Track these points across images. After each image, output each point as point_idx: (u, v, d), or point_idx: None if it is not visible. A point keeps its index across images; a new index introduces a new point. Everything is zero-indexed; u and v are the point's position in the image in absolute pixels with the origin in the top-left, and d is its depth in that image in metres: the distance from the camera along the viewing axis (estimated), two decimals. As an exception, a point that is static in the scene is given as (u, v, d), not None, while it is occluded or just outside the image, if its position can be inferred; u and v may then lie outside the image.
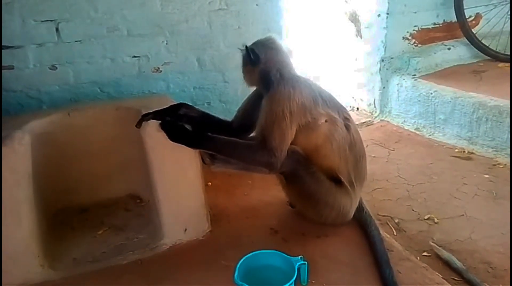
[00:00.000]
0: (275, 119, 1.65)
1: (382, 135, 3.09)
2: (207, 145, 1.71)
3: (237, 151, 1.71)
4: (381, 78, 3.29)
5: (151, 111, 1.76)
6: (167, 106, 1.83)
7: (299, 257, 1.54)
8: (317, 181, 1.75)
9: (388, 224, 2.09)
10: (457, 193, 2.31)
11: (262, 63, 1.76)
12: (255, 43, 1.83)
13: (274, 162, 1.65)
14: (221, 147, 1.71)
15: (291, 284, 1.45)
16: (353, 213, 1.86)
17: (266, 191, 2.17)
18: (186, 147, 1.70)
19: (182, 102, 1.93)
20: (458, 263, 1.75)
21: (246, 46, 1.77)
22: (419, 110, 3.09)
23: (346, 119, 1.80)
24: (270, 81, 1.74)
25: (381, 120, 3.34)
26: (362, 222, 1.86)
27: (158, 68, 2.41)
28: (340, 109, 1.81)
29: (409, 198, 2.30)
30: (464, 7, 3.26)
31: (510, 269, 1.74)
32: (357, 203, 1.86)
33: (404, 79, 3.19)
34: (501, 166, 2.56)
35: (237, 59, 2.51)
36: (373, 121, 3.32)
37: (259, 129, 1.70)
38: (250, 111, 1.88)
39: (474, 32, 3.33)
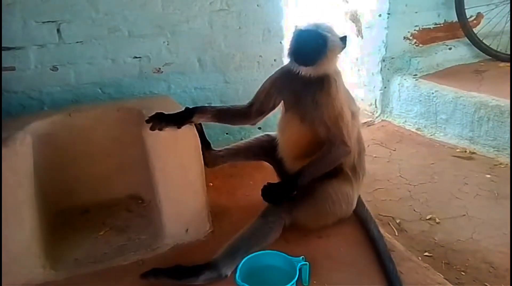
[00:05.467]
0: (338, 112, 1.70)
1: (383, 135, 3.09)
2: (302, 182, 1.72)
3: (322, 165, 1.74)
4: (382, 78, 3.29)
5: (158, 115, 1.75)
6: (178, 111, 1.80)
7: (301, 257, 1.54)
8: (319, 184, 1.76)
9: (389, 224, 2.09)
10: (458, 193, 2.31)
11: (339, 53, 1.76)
12: (333, 32, 1.72)
13: (348, 150, 1.73)
14: (312, 174, 1.73)
15: (292, 284, 1.45)
16: (356, 202, 1.85)
17: (268, 192, 2.16)
18: (193, 149, 1.74)
19: (195, 106, 1.92)
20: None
21: (345, 36, 1.74)
22: (420, 110, 3.09)
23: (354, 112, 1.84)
24: (331, 71, 1.75)
25: (382, 120, 3.34)
26: (362, 219, 1.85)
27: (159, 68, 2.41)
28: (354, 102, 1.89)
29: (410, 198, 2.30)
30: (465, 7, 3.26)
31: (511, 269, 1.74)
32: (359, 192, 1.87)
33: (405, 79, 3.19)
34: (502, 166, 2.56)
35: (238, 59, 2.55)
36: (374, 121, 3.33)
37: (324, 123, 1.71)
38: (272, 95, 1.85)
39: (475, 32, 3.33)
